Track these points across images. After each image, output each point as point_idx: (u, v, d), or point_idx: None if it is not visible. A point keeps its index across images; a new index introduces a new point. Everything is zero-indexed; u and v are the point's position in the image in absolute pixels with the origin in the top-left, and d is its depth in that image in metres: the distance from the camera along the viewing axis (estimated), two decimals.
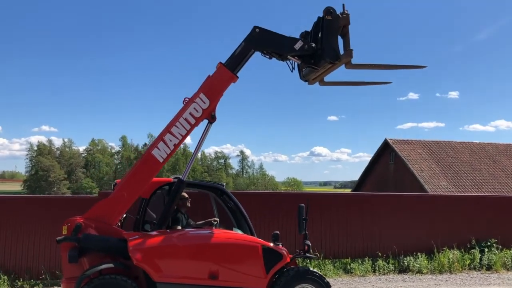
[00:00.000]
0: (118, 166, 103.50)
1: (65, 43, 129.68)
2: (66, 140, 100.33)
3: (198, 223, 7.53)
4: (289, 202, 10.59)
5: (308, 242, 6.53)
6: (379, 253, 11.12)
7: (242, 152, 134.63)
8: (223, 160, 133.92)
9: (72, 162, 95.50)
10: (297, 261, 6.80)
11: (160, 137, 6.46)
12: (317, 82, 7.31)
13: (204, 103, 6.48)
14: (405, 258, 11.07)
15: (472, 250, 11.55)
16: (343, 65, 6.65)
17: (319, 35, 6.63)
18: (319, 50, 6.60)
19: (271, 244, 6.32)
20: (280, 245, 6.42)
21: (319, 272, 6.66)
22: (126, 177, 6.52)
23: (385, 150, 35.68)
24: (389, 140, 34.63)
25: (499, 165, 33.81)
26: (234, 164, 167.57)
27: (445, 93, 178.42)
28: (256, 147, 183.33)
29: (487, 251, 11.53)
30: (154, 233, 6.22)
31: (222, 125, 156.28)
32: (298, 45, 6.58)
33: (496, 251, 11.58)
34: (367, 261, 10.81)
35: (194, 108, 6.46)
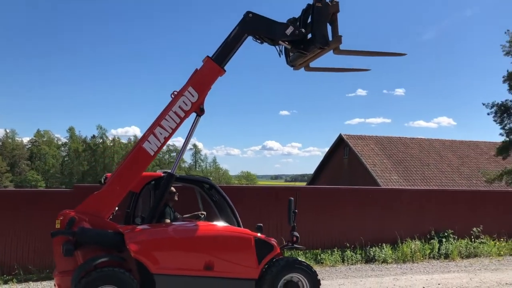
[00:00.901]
0: (66, 159, 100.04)
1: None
2: (8, 130, 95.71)
3: (184, 216, 7.67)
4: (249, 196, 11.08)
5: (296, 234, 6.84)
6: (347, 244, 11.63)
7: (195, 146, 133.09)
8: (175, 154, 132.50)
9: (16, 154, 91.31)
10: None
11: (151, 130, 6.53)
12: (303, 68, 7.56)
13: (193, 96, 6.61)
14: (371, 249, 11.65)
15: (432, 241, 12.30)
16: (331, 51, 6.94)
17: (309, 21, 6.91)
18: (309, 36, 6.87)
19: (263, 236, 6.57)
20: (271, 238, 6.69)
21: (307, 262, 6.97)
22: (118, 170, 6.56)
23: (340, 145, 36.78)
24: (343, 136, 35.69)
25: (445, 160, 35.70)
26: (187, 157, 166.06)
27: (391, 90, 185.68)
28: (209, 140, 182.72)
29: (445, 241, 12.32)
30: (150, 226, 6.31)
31: None
32: (289, 31, 6.81)
33: (453, 241, 12.39)
34: (336, 252, 11.29)
35: (183, 102, 6.58)
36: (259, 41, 7.03)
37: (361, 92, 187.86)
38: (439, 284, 8.96)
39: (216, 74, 6.76)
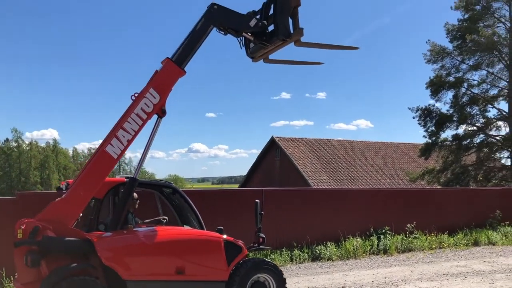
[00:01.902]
0: None
1: None
2: None
3: (146, 221, 7.54)
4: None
5: (263, 235, 7.01)
6: (295, 244, 11.98)
7: None
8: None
9: None
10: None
11: (113, 133, 6.39)
12: (262, 60, 7.73)
13: (155, 98, 6.55)
14: (317, 247, 12.09)
15: (371, 237, 13.02)
16: (292, 43, 7.18)
17: (270, 14, 7.14)
18: (270, 28, 7.11)
19: (231, 238, 6.66)
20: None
21: (273, 262, 7.15)
22: (81, 175, 6.33)
23: (272, 147, 37.50)
24: (275, 138, 36.45)
25: (369, 161, 37.59)
26: None
27: (314, 94, 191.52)
28: (132, 143, 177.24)
29: (383, 238, 13.09)
30: (119, 232, 6.17)
31: (94, 119, 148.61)
32: (252, 22, 7.00)
33: (390, 237, 13.19)
34: (284, 252, 11.60)
35: (145, 103, 6.51)
36: (223, 33, 7.13)
37: (285, 95, 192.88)
38: (385, 277, 9.54)
39: (176, 75, 6.76)
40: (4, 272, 8.71)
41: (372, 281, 9.19)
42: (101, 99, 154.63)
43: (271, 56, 7.67)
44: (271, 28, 7.16)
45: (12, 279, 8.69)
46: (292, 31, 7.05)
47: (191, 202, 7.37)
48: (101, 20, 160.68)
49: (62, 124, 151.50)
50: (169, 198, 7.68)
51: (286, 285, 6.98)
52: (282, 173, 35.62)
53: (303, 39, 7.10)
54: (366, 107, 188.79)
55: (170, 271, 6.04)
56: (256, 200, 6.97)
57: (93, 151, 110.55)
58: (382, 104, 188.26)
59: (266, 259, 7.04)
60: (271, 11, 7.15)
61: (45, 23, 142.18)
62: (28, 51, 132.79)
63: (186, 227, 7.17)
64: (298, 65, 8.38)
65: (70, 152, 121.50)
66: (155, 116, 6.69)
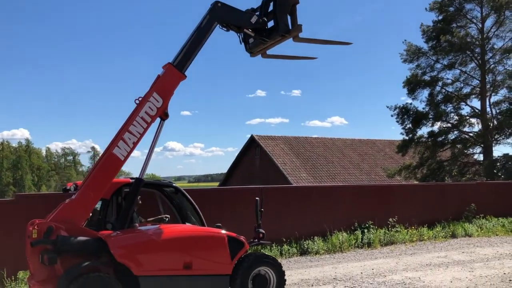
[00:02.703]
0: None
1: None
2: None
3: (148, 219, 7.84)
4: None
5: (262, 231, 7.41)
6: (284, 239, 12.42)
7: (93, 148, 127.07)
8: (71, 157, 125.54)
9: None
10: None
11: (120, 136, 6.69)
12: (260, 55, 8.16)
13: (158, 101, 6.89)
14: (304, 242, 12.56)
15: (355, 232, 13.57)
16: (291, 39, 7.64)
17: (269, 11, 7.59)
18: (269, 25, 7.56)
19: (234, 234, 7.03)
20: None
21: (273, 256, 7.56)
22: (90, 177, 6.60)
23: (251, 145, 37.90)
24: (255, 136, 36.88)
25: (347, 158, 38.39)
26: (84, 161, 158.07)
27: (289, 91, 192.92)
28: (105, 142, 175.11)
29: (367, 232, 13.66)
30: (128, 230, 6.47)
31: (66, 118, 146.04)
32: (253, 19, 7.45)
33: (373, 231, 13.77)
34: (274, 247, 12.02)
35: (149, 107, 6.84)
36: (225, 29, 7.53)
37: (260, 93, 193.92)
38: (372, 269, 10.07)
39: (178, 80, 7.11)
40: (5, 272, 8.84)
41: (361, 272, 9.70)
42: (73, 97, 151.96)
43: (268, 52, 8.11)
44: (270, 24, 7.62)
45: (13, 278, 8.88)
46: (290, 27, 7.50)
47: (192, 201, 7.71)
48: (71, 20, 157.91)
49: (33, 123, 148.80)
50: (169, 197, 8.00)
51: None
52: (262, 171, 36.06)
53: (300, 35, 7.56)
54: (340, 104, 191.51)
55: (178, 266, 6.37)
56: (256, 198, 7.37)
57: (66, 150, 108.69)
58: (356, 101, 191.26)
59: (266, 253, 7.44)
60: (270, 9, 7.61)
61: (11, 21, 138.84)
62: None
63: (188, 225, 7.51)
64: (290, 60, 8.87)
65: (44, 152, 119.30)
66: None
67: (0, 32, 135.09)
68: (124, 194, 7.26)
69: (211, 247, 6.77)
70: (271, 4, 7.57)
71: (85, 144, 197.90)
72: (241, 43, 7.89)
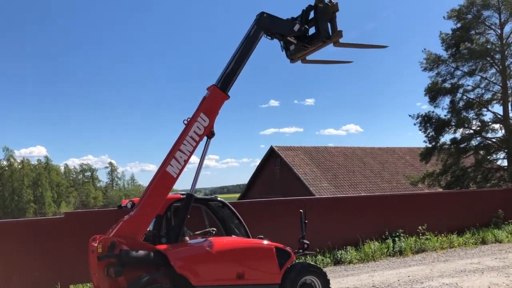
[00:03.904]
0: None
1: None
2: None
3: (196, 233, 8.22)
4: None
5: (307, 241, 7.75)
6: (317, 249, 12.69)
7: (111, 164, 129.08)
8: (89, 173, 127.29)
9: None
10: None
11: (172, 155, 7.11)
12: (299, 61, 8.57)
13: (205, 121, 7.32)
14: (337, 252, 12.82)
15: (387, 240, 13.79)
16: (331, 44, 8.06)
17: (310, 19, 8.02)
18: (310, 32, 8.00)
19: (281, 245, 7.38)
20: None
21: (318, 265, 7.88)
22: (147, 194, 7.01)
23: (271, 156, 38.23)
24: (274, 147, 37.23)
25: (368, 166, 38.49)
26: (102, 176, 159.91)
27: (302, 100, 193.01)
28: (121, 157, 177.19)
29: (397, 240, 13.86)
30: (187, 243, 6.87)
31: (82, 134, 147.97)
32: (296, 27, 7.91)
33: (404, 239, 13.97)
34: (309, 257, 12.30)
35: (197, 127, 7.26)
36: (270, 38, 8.00)
37: (274, 103, 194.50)
38: (408, 276, 10.29)
39: (222, 100, 7.53)
40: (59, 286, 9.29)
41: (398, 280, 9.94)
42: (87, 114, 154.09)
43: (308, 57, 8.54)
44: (311, 31, 8.06)
45: None
46: (331, 34, 7.92)
47: (238, 214, 8.08)
48: (82, 33, 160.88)
49: (50, 140, 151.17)
50: (214, 211, 8.38)
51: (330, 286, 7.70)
52: (283, 181, 36.32)
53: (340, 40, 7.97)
54: (355, 112, 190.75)
55: (232, 276, 6.73)
56: (300, 210, 7.72)
57: (84, 166, 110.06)
58: (370, 108, 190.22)
59: (312, 263, 7.76)
60: (310, 16, 8.06)
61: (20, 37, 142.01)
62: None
63: (235, 237, 7.87)
64: (327, 64, 9.22)
65: (62, 168, 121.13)
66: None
67: (15, 51, 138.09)
68: (174, 209, 7.64)
69: (261, 257, 7.12)
70: (311, 12, 8.04)
71: (101, 159, 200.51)
72: (282, 50, 8.37)
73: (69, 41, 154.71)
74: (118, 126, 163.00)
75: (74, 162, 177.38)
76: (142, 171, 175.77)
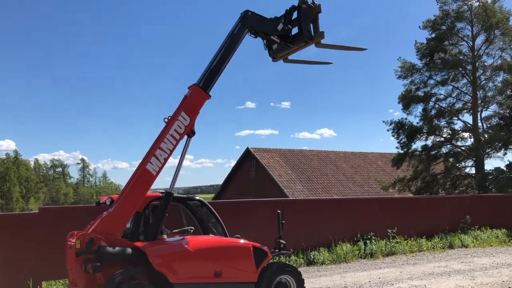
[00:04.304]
0: None
1: None
2: None
3: (174, 231, 8.29)
4: None
5: (283, 241, 7.92)
6: (291, 250, 12.86)
7: (83, 160, 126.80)
8: (60, 169, 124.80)
9: None
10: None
11: (152, 153, 7.18)
12: (282, 60, 8.75)
13: (186, 120, 7.41)
14: (310, 253, 13.06)
15: (359, 243, 14.11)
16: (313, 45, 8.25)
17: (292, 19, 8.21)
18: (293, 32, 8.19)
19: (258, 244, 7.53)
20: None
21: (294, 265, 8.06)
22: (126, 191, 7.06)
23: (247, 157, 38.38)
24: (250, 148, 37.39)
25: (340, 170, 39.04)
26: (73, 172, 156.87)
27: (278, 103, 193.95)
28: (93, 153, 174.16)
29: (369, 243, 14.20)
30: (166, 241, 6.94)
31: (53, 130, 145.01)
32: (280, 27, 8.09)
33: (375, 242, 14.32)
34: (283, 257, 12.48)
35: (178, 125, 7.35)
36: (253, 36, 8.15)
37: (250, 104, 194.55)
38: (379, 278, 10.59)
39: (203, 100, 7.64)
40: (31, 282, 9.20)
41: (369, 281, 10.22)
42: (57, 108, 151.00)
43: (290, 57, 8.73)
44: (293, 31, 8.24)
45: None
46: (313, 34, 8.13)
47: (216, 214, 8.20)
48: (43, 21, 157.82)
49: (19, 134, 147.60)
50: (192, 210, 8.46)
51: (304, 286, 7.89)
52: (258, 183, 36.51)
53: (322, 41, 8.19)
54: (329, 117, 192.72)
55: (209, 274, 6.84)
56: (278, 211, 7.89)
57: (56, 162, 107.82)
58: (344, 114, 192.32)
59: (288, 263, 7.93)
60: (294, 17, 8.24)
61: None
62: None
63: (213, 236, 7.98)
64: (309, 65, 9.52)
65: (32, 163, 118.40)
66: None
67: None
68: (152, 207, 7.70)
69: (238, 256, 7.25)
70: (295, 12, 8.23)
71: (73, 155, 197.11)
72: (265, 49, 8.56)
73: (41, 33, 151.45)
74: (90, 122, 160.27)
75: (44, 158, 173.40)
76: (114, 168, 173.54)
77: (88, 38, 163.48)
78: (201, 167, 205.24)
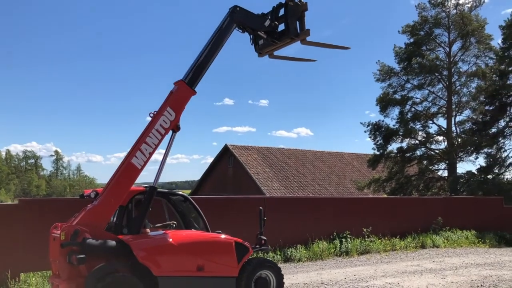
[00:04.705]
0: None
1: None
2: None
3: (156, 225, 8.37)
4: None
5: (264, 237, 8.10)
6: (269, 247, 13.08)
7: (57, 152, 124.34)
8: (33, 160, 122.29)
9: None
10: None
11: (137, 147, 7.25)
12: (267, 55, 8.94)
13: (171, 115, 7.51)
14: (288, 250, 13.30)
15: (334, 241, 14.42)
16: (298, 41, 8.46)
17: (279, 16, 8.41)
18: (279, 29, 8.39)
19: (240, 240, 7.69)
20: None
21: (273, 261, 8.25)
22: (111, 184, 7.11)
23: (225, 154, 38.46)
24: (229, 146, 37.48)
25: (317, 169, 39.50)
26: (46, 164, 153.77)
27: (256, 101, 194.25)
28: (67, 146, 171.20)
29: (344, 241, 14.53)
30: (150, 234, 7.03)
31: (24, 120, 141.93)
32: (267, 23, 8.29)
33: (350, 241, 14.66)
34: (261, 254, 12.65)
35: (163, 120, 7.45)
36: (241, 31, 8.32)
37: (228, 101, 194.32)
38: (354, 275, 10.89)
39: (189, 95, 7.75)
40: (9, 274, 9.15)
41: (345, 278, 10.50)
42: (31, 99, 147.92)
43: (275, 53, 8.92)
44: (280, 28, 8.44)
45: (17, 280, 9.21)
46: (299, 31, 8.34)
47: (199, 209, 8.32)
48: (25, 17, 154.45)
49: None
50: (174, 205, 8.55)
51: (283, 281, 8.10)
52: (235, 180, 36.64)
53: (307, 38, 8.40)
54: (306, 116, 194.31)
55: (192, 268, 6.97)
56: (260, 208, 8.06)
57: (28, 153, 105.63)
58: (321, 114, 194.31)
59: (268, 258, 8.12)
60: (280, 14, 8.45)
61: None
62: None
63: (194, 231, 8.10)
64: (295, 61, 9.79)
65: (3, 154, 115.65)
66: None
67: None
68: (136, 201, 7.77)
69: (221, 251, 7.39)
70: (282, 9, 8.43)
71: (46, 147, 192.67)
72: (251, 44, 8.72)
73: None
74: (64, 113, 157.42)
75: (16, 148, 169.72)
76: (88, 161, 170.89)
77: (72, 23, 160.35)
78: (177, 162, 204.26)
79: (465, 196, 22.05)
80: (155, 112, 7.53)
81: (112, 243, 6.64)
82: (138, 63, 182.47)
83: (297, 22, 8.41)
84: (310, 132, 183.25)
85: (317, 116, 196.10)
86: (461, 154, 26.19)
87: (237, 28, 8.15)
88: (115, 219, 7.56)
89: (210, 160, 40.48)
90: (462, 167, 35.10)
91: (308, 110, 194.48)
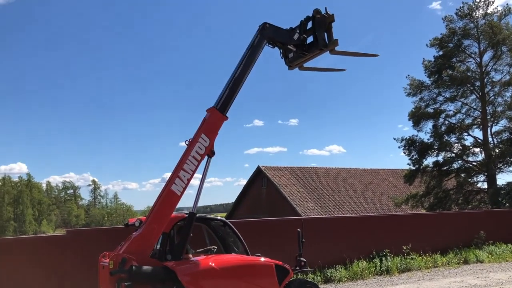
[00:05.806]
0: None
1: None
2: None
3: (198, 251, 8.61)
4: None
5: (304, 259, 8.20)
6: (308, 268, 13.10)
7: (94, 182, 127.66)
8: (72, 191, 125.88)
9: None
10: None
11: (176, 174, 7.55)
12: (297, 68, 9.15)
13: (205, 141, 7.79)
14: (327, 270, 13.27)
15: (374, 259, 14.29)
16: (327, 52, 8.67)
17: (307, 29, 8.62)
18: (308, 41, 8.61)
19: (280, 262, 7.82)
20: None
21: (315, 282, 8.32)
22: (153, 212, 7.42)
23: (258, 176, 38.64)
24: (261, 167, 37.70)
25: (352, 187, 39.13)
26: (84, 194, 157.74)
27: (286, 121, 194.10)
28: (103, 175, 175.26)
29: (384, 259, 14.38)
30: (194, 260, 7.27)
31: (63, 152, 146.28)
32: (296, 36, 8.51)
33: (390, 259, 14.49)
34: (300, 275, 12.68)
35: (199, 147, 7.73)
36: (271, 46, 8.62)
37: (258, 122, 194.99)
38: None
39: (221, 121, 8.04)
40: None
41: None
42: (65, 131, 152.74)
43: (305, 65, 9.15)
44: (309, 40, 8.66)
45: None
46: (327, 42, 8.55)
47: (238, 233, 8.52)
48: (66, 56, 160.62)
49: (30, 157, 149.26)
50: (214, 230, 8.78)
51: None
52: (269, 201, 36.69)
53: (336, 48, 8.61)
54: (338, 133, 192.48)
55: None
56: (298, 230, 8.19)
57: (67, 184, 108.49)
58: (353, 130, 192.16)
59: (309, 280, 8.20)
60: (308, 27, 8.68)
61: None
62: None
63: (235, 254, 8.28)
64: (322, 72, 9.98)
65: (44, 186, 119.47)
66: None
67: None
68: (177, 228, 8.03)
69: (262, 274, 7.53)
70: (309, 22, 8.66)
71: (83, 177, 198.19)
72: (282, 58, 8.98)
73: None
74: (100, 144, 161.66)
75: (55, 180, 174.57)
76: (124, 189, 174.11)
77: (103, 61, 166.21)
78: (211, 186, 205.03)
79: (508, 208, 21.42)
80: (190, 140, 7.85)
81: (158, 269, 6.90)
82: (167, 92, 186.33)
83: (325, 34, 8.64)
84: (343, 149, 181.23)
85: (349, 131, 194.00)
86: (500, 165, 25.56)
87: (267, 44, 8.42)
88: (159, 246, 7.86)
89: (243, 182, 40.83)
90: (503, 178, 34.44)
91: (339, 126, 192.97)
